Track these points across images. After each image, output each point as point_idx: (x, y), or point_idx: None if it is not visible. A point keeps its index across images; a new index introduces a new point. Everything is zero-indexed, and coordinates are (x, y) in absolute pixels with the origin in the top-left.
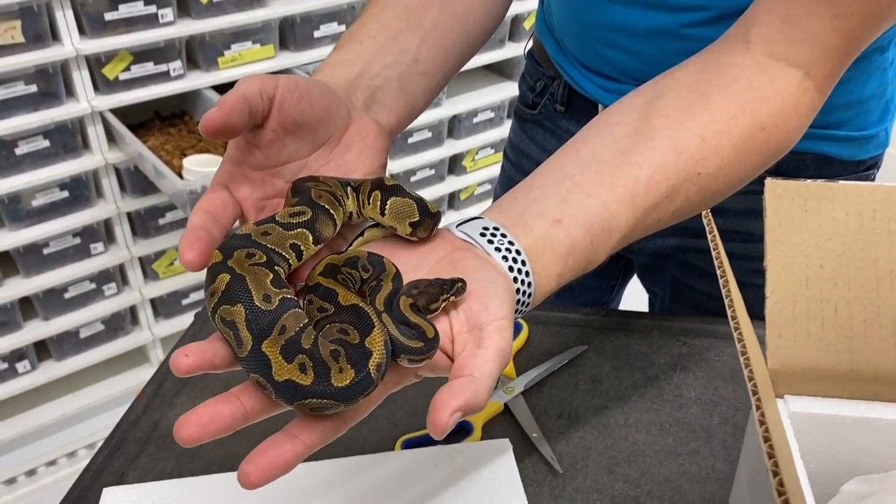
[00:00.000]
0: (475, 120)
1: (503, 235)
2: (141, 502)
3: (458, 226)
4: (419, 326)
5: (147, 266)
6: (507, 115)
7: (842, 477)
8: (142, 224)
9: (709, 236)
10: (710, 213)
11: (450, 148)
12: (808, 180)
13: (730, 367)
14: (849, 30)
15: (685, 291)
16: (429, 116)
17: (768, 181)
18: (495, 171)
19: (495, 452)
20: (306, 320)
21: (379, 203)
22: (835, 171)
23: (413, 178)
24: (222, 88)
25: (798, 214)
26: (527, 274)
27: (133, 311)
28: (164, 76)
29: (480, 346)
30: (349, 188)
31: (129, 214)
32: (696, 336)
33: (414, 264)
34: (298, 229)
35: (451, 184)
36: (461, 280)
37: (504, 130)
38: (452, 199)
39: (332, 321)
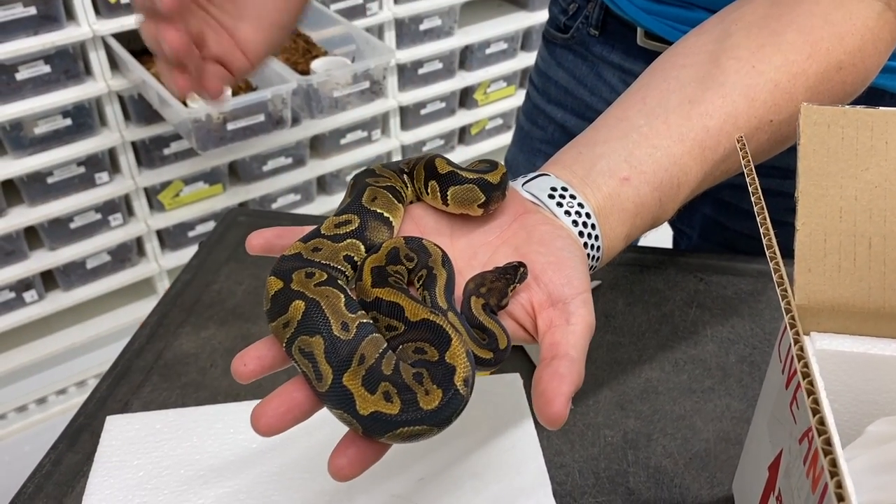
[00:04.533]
0: (488, 51)
1: (572, 197)
2: (145, 431)
3: (523, 184)
4: (493, 333)
5: (153, 197)
6: (522, 47)
7: (867, 417)
8: (147, 154)
9: (744, 167)
10: (745, 143)
11: (461, 80)
12: (847, 106)
13: (748, 304)
14: None
15: (717, 230)
16: (439, 47)
17: (804, 106)
18: (508, 104)
19: (506, 387)
20: (385, 345)
21: (439, 194)
22: (885, 105)
23: (423, 111)
24: None
25: (834, 143)
26: (596, 238)
27: (139, 242)
28: None
29: (570, 323)
30: (405, 175)
31: (133, 144)
32: (714, 272)
33: (484, 227)
34: (348, 240)
35: (462, 118)
36: (522, 265)
37: (518, 62)
38: (463, 134)
39: (404, 340)
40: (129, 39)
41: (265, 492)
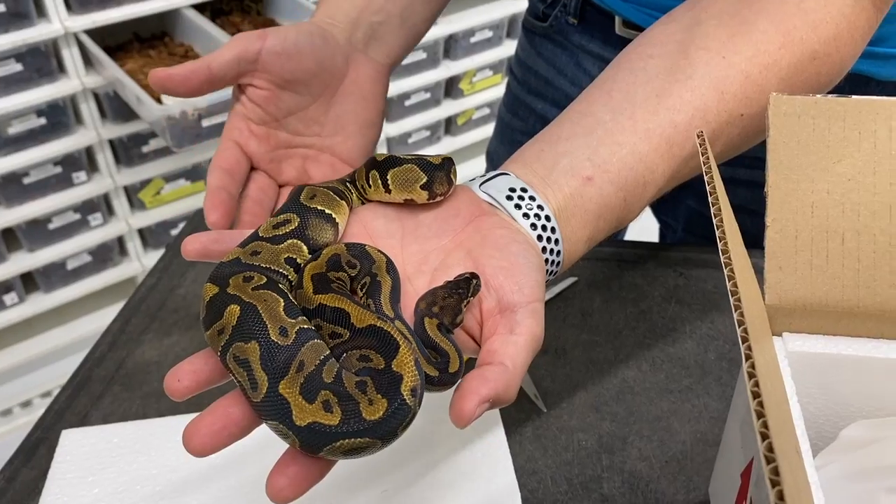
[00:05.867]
0: (473, 39)
1: (531, 198)
2: (101, 445)
3: (481, 184)
4: (447, 354)
5: (133, 195)
6: (508, 35)
7: (843, 420)
8: (125, 152)
9: (703, 164)
10: (705, 139)
11: (446, 69)
12: (818, 95)
13: (728, 298)
14: None
15: (701, 222)
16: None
17: (772, 96)
18: (494, 94)
19: None
20: (327, 352)
21: (380, 181)
22: (870, 93)
23: (407, 102)
24: (203, 8)
25: (805, 134)
26: (556, 242)
27: (121, 241)
28: None
29: (514, 332)
30: (347, 183)
31: (111, 142)
32: (694, 266)
33: (437, 230)
34: (289, 241)
35: (448, 108)
36: (475, 276)
37: (504, 50)
38: (449, 125)
39: (349, 348)
40: (103, 36)
41: None
